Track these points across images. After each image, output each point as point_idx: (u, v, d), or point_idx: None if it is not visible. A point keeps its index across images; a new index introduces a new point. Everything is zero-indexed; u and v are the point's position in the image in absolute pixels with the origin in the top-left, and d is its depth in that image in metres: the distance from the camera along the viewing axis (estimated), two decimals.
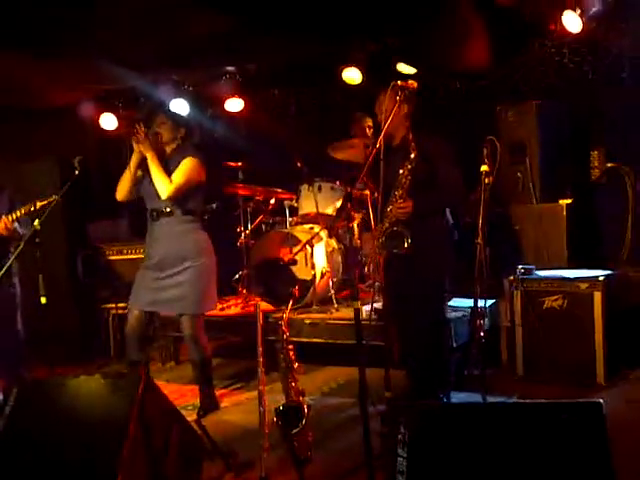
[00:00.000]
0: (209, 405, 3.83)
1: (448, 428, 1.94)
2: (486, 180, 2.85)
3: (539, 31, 4.76)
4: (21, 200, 4.27)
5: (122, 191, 3.73)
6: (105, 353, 5.35)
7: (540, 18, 4.64)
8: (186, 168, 3.63)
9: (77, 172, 3.42)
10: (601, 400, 1.92)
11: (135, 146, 3.63)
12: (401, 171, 3.20)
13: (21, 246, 3.07)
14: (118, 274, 5.36)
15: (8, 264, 3.03)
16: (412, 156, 3.14)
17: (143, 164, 3.67)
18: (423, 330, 3.31)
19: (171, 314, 4.04)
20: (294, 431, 2.62)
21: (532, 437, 1.91)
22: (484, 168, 2.89)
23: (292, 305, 2.97)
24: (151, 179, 3.62)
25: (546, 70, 4.87)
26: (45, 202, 3.94)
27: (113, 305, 5.32)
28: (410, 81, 2.98)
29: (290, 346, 2.76)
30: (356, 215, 2.74)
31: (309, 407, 2.68)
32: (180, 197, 3.62)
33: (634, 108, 4.48)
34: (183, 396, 4.19)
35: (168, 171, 3.62)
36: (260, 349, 2.83)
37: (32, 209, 3.98)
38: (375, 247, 3.19)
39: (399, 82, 2.96)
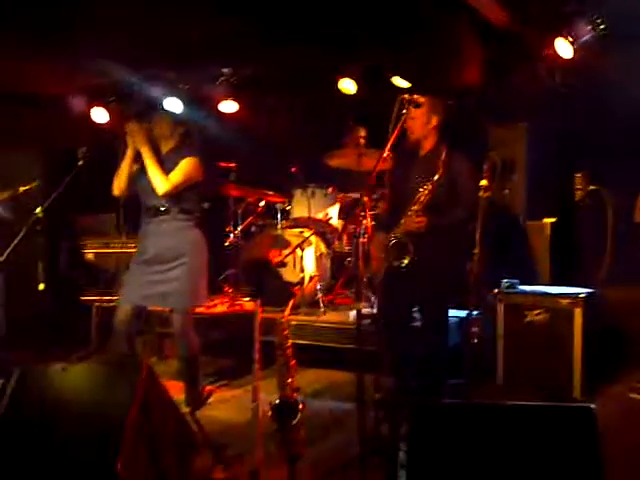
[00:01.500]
0: (194, 401, 3.86)
1: (446, 425, 2.03)
2: (485, 194, 2.95)
3: (532, 54, 4.92)
4: (4, 186, 4.31)
5: (119, 186, 3.74)
6: (85, 345, 5.33)
7: (534, 41, 4.80)
8: (186, 167, 3.66)
9: (80, 163, 3.44)
10: (592, 405, 2.03)
11: (129, 141, 3.65)
12: (421, 189, 3.26)
13: (22, 232, 3.08)
14: (103, 268, 5.35)
15: (9, 250, 3.04)
16: (436, 177, 3.22)
17: (139, 159, 3.70)
18: (425, 336, 3.39)
19: (162, 309, 4.07)
20: (288, 426, 2.67)
21: (524, 438, 2.01)
22: (483, 182, 3.00)
23: (290, 305, 3.02)
24: (147, 175, 3.66)
25: (537, 92, 5.04)
26: (28, 187, 3.99)
27: (96, 297, 5.31)
28: (416, 95, 3.08)
29: (288, 344, 2.82)
30: (365, 220, 2.82)
31: (304, 404, 2.73)
32: (176, 195, 3.66)
33: (618, 133, 4.66)
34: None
35: (166, 168, 3.66)
36: (257, 345, 2.88)
37: (14, 194, 4.01)
38: (377, 255, 3.26)
39: (406, 95, 3.05)
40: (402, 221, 3.30)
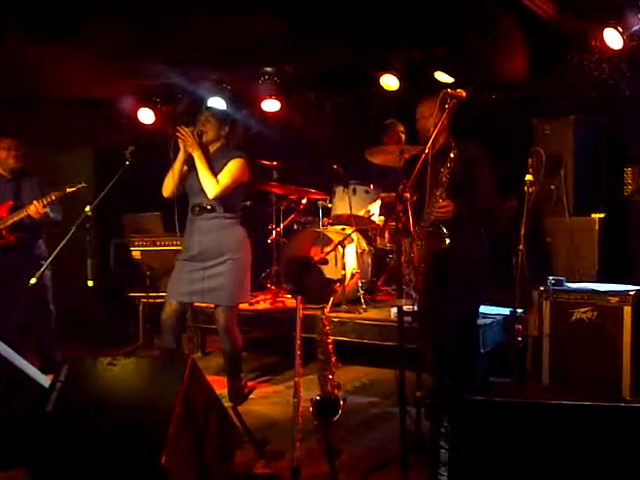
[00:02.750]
0: (237, 396, 3.91)
1: (489, 423, 2.01)
2: (530, 189, 2.89)
3: (579, 46, 4.81)
4: (52, 185, 4.44)
5: (169, 188, 3.80)
6: (132, 341, 5.47)
7: (581, 33, 4.69)
8: (233, 169, 3.71)
9: (128, 162, 3.52)
10: None
11: (181, 145, 3.71)
12: (442, 170, 3.28)
13: (72, 231, 3.18)
14: (149, 265, 5.47)
15: (59, 248, 3.14)
16: (452, 155, 3.22)
17: (188, 160, 3.77)
18: (454, 332, 3.36)
19: (208, 305, 4.13)
20: (328, 422, 2.68)
21: (568, 438, 1.97)
22: (529, 177, 2.94)
23: (331, 301, 3.04)
24: (196, 175, 3.72)
25: (584, 85, 4.92)
26: (75, 188, 4.09)
27: (143, 294, 5.43)
28: (459, 90, 3.04)
29: (329, 340, 2.83)
30: (404, 217, 2.80)
31: (345, 401, 2.74)
32: (225, 196, 3.72)
33: None
34: None
35: (213, 170, 3.72)
36: (299, 342, 2.90)
37: (62, 194, 4.13)
38: (415, 249, 3.25)
39: (449, 90, 3.02)
40: (428, 210, 3.31)
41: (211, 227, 3.75)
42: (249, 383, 4.19)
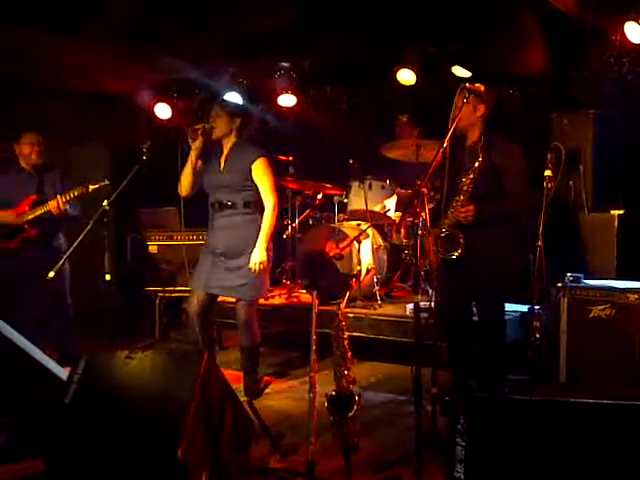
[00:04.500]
0: (253, 391, 3.92)
1: (505, 420, 1.99)
2: (549, 185, 2.86)
3: (599, 40, 4.75)
4: (70, 181, 4.48)
5: (185, 187, 3.81)
6: (149, 335, 5.51)
7: (601, 27, 4.63)
8: (266, 170, 3.75)
9: (145, 157, 3.53)
10: None
11: (192, 144, 3.71)
12: (464, 179, 3.23)
13: (90, 225, 3.20)
14: (166, 260, 5.50)
15: (77, 242, 3.16)
16: (476, 165, 3.17)
17: (203, 157, 3.77)
18: (481, 331, 3.34)
19: (224, 299, 4.13)
20: (344, 418, 2.68)
21: (584, 436, 1.95)
22: (548, 173, 2.91)
23: (347, 297, 3.03)
24: (213, 172, 3.72)
25: (603, 79, 4.86)
26: (97, 186, 4.09)
27: (160, 288, 5.46)
28: (477, 84, 3.02)
29: (345, 335, 2.83)
30: (422, 212, 2.78)
31: (360, 396, 2.74)
32: (241, 190, 3.73)
33: None
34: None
35: (232, 165, 3.72)
36: (314, 337, 2.91)
37: (84, 192, 4.14)
38: (432, 248, 3.23)
39: (467, 84, 2.99)
40: (449, 213, 3.27)
41: (232, 223, 3.76)
42: (265, 378, 4.21)
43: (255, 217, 3.79)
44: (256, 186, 3.77)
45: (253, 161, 3.72)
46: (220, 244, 3.77)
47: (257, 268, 3.64)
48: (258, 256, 3.66)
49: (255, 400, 3.80)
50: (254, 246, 3.71)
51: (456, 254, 3.21)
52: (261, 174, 3.73)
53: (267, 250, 3.73)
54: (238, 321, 3.83)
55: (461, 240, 3.19)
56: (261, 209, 3.79)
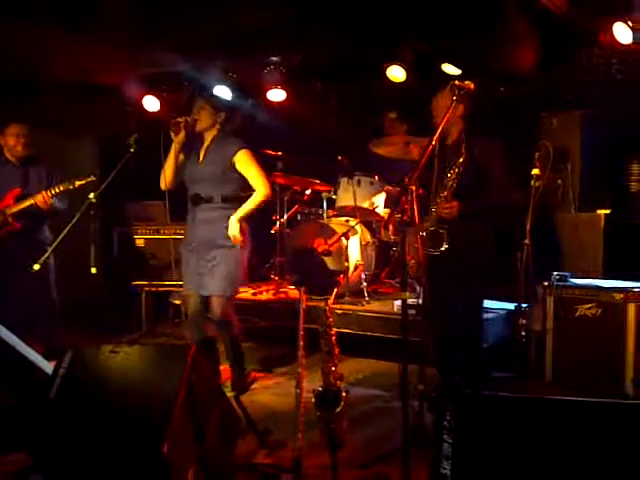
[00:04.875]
0: (240, 386, 3.91)
1: (492, 417, 2.00)
2: (536, 184, 2.87)
3: (588, 40, 4.77)
4: (59, 174, 4.44)
5: (166, 181, 3.78)
6: (136, 329, 5.48)
7: (590, 27, 4.65)
8: (250, 160, 3.72)
9: (132, 150, 3.50)
10: None
11: (174, 137, 3.68)
12: (449, 174, 3.25)
13: (76, 217, 3.17)
14: (153, 253, 5.47)
15: (63, 235, 3.14)
16: (460, 160, 3.18)
17: (183, 150, 3.74)
18: (461, 327, 3.36)
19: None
20: (331, 414, 2.68)
21: (570, 434, 1.96)
22: (535, 172, 2.92)
23: (334, 293, 3.03)
24: (193, 164, 3.69)
25: (592, 79, 4.88)
26: (83, 181, 4.05)
27: (146, 282, 5.43)
28: (467, 82, 3.02)
29: (332, 331, 2.83)
30: (410, 209, 2.79)
31: (347, 392, 2.74)
32: (218, 183, 3.70)
33: None
34: None
35: (212, 157, 3.69)
36: (301, 333, 2.90)
37: (70, 187, 4.10)
38: (418, 243, 3.24)
39: (457, 82, 3.00)
40: (433, 209, 3.28)
41: (208, 218, 3.72)
42: (252, 373, 4.19)
43: (232, 212, 3.72)
44: (236, 180, 3.73)
45: (235, 152, 3.69)
46: (195, 237, 3.74)
47: (234, 242, 3.63)
48: (231, 230, 3.63)
49: (242, 395, 3.81)
50: (229, 242, 3.68)
51: (442, 249, 3.22)
52: (246, 164, 3.70)
53: (242, 231, 3.69)
54: (213, 317, 3.77)
55: (445, 236, 3.21)
56: (239, 204, 3.76)
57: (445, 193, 3.28)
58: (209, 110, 3.75)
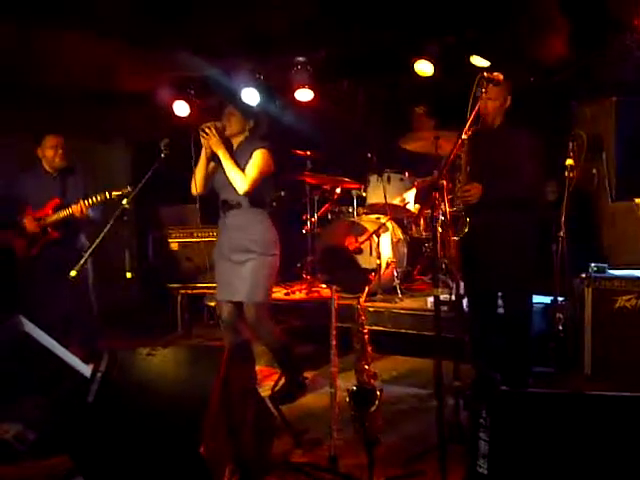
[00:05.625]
0: (289, 391, 3.84)
1: (529, 414, 1.97)
2: (571, 174, 2.81)
3: (621, 26, 4.65)
4: (92, 181, 4.52)
5: (197, 186, 3.77)
6: (171, 331, 5.54)
7: (623, 13, 4.53)
8: (258, 161, 3.65)
9: (163, 155, 3.53)
10: None
11: (203, 142, 3.67)
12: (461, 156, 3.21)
13: (110, 224, 3.22)
14: (187, 257, 5.53)
15: (98, 241, 3.19)
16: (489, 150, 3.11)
17: (215, 156, 3.75)
18: (508, 319, 3.31)
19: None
20: (366, 412, 2.67)
21: (609, 429, 1.91)
22: (569, 162, 2.85)
23: (366, 291, 3.02)
24: (223, 172, 3.69)
25: (625, 66, 4.76)
26: (119, 192, 4.12)
27: (181, 285, 5.50)
28: (495, 73, 2.98)
29: (365, 329, 2.82)
30: (442, 204, 2.75)
31: (381, 390, 2.72)
32: (255, 189, 3.69)
33: None
34: None
35: (238, 164, 3.69)
36: (334, 332, 2.90)
37: (107, 197, 4.19)
38: (449, 234, 3.20)
39: (485, 74, 2.95)
40: (455, 193, 3.25)
41: (238, 224, 3.70)
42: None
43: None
44: (262, 183, 3.68)
45: (251, 153, 3.66)
46: (225, 244, 3.74)
47: None
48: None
49: (290, 402, 3.72)
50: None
51: (463, 232, 3.17)
52: (253, 161, 3.64)
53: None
54: (248, 321, 3.74)
55: (464, 220, 3.16)
56: (268, 208, 3.75)
57: (461, 177, 3.23)
58: (239, 116, 3.75)
